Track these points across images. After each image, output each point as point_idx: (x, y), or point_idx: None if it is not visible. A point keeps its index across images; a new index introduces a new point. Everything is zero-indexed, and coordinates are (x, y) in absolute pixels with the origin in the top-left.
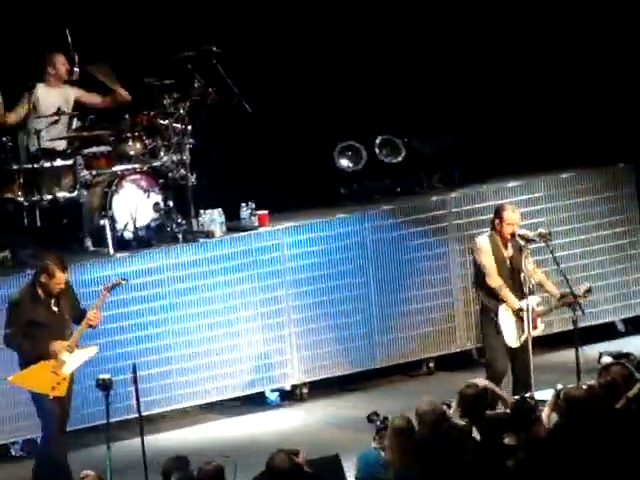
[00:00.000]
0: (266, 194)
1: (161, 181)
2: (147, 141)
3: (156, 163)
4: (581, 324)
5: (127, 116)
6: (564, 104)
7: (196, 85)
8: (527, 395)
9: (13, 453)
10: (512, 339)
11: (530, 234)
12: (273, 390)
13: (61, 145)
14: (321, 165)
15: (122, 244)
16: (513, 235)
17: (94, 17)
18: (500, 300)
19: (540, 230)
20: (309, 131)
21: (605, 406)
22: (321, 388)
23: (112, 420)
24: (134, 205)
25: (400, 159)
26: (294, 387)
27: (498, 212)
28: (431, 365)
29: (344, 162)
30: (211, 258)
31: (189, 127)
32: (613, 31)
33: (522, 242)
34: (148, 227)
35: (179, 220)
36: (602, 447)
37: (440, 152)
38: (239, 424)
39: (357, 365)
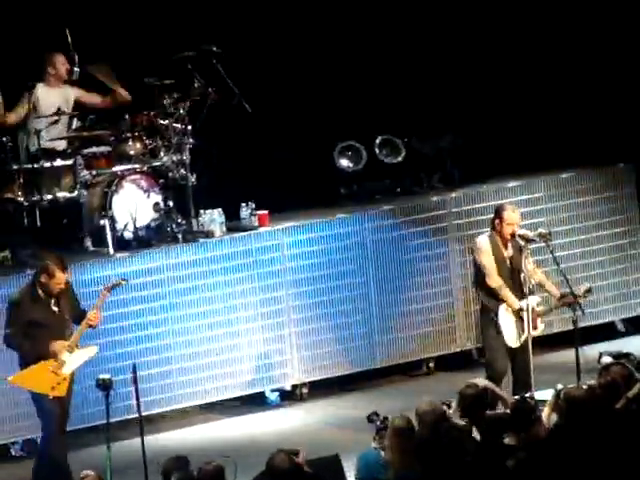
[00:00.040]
0: (266, 194)
1: (161, 181)
2: (147, 141)
3: (156, 163)
4: (581, 324)
5: (127, 116)
6: (564, 104)
7: (196, 85)
8: (527, 395)
9: (13, 453)
10: (512, 339)
11: (530, 234)
12: (273, 390)
13: (61, 145)
14: (321, 165)
15: (122, 244)
16: (513, 235)
17: (94, 17)
18: (500, 300)
19: (540, 230)
20: (309, 131)
21: (605, 406)
22: (321, 388)
23: (112, 420)
24: (134, 205)
25: (400, 159)
26: (294, 387)
27: (498, 212)
28: (431, 365)
29: (344, 162)
30: (211, 258)
31: (189, 127)
32: (612, 31)
33: (522, 242)
34: (148, 227)
35: (179, 220)
36: (602, 447)
37: (440, 152)
38: (239, 424)
39: (357, 365)
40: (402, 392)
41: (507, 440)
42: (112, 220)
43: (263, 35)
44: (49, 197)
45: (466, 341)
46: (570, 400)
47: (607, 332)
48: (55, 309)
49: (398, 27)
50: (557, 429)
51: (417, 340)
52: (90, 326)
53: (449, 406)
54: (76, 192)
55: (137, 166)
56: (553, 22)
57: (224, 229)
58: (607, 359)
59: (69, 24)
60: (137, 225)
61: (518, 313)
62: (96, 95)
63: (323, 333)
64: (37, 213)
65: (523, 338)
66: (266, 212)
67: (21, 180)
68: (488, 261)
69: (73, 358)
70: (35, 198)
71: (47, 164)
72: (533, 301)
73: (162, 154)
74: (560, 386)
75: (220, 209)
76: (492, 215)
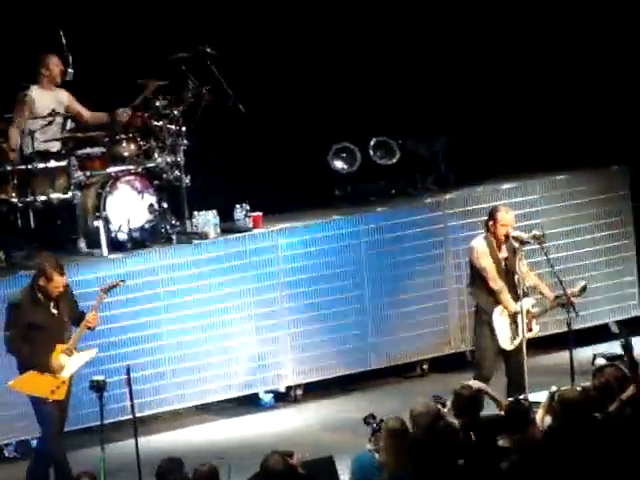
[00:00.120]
0: (260, 195)
1: (155, 182)
2: (141, 142)
3: (150, 164)
4: (575, 326)
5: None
6: (559, 106)
7: (190, 86)
8: (521, 397)
9: (6, 454)
10: (506, 342)
11: (524, 236)
12: (267, 392)
13: (55, 146)
14: (316, 167)
15: (116, 245)
16: (507, 237)
17: (88, 18)
18: (495, 302)
19: (534, 232)
20: (304, 133)
21: (599, 408)
22: (315, 390)
23: (106, 422)
24: (128, 206)
25: (395, 161)
26: (288, 389)
27: (492, 213)
28: (425, 367)
29: (339, 164)
30: (205, 259)
31: (183, 128)
32: (608, 34)
33: (516, 244)
34: (142, 228)
35: (173, 221)
36: (596, 449)
37: (435, 154)
38: (233, 426)
39: (351, 367)
40: (396, 394)
41: (501, 442)
42: (106, 221)
43: (258, 37)
44: (43, 198)
45: (460, 343)
46: (564, 402)
47: (601, 334)
48: (54, 312)
49: (393, 30)
50: (551, 431)
51: (411, 342)
52: (89, 328)
53: (444, 405)
54: (70, 193)
55: (131, 167)
56: (548, 26)
57: (218, 230)
58: (601, 361)
59: (63, 25)
60: (131, 226)
61: (514, 316)
62: (85, 109)
63: (317, 335)
64: (31, 214)
65: (517, 341)
66: (260, 214)
67: (15, 181)
68: (488, 263)
69: (72, 361)
70: (29, 199)
71: (41, 165)
72: (527, 303)
73: (156, 155)
74: (554, 388)
75: (214, 210)
76: (486, 217)
